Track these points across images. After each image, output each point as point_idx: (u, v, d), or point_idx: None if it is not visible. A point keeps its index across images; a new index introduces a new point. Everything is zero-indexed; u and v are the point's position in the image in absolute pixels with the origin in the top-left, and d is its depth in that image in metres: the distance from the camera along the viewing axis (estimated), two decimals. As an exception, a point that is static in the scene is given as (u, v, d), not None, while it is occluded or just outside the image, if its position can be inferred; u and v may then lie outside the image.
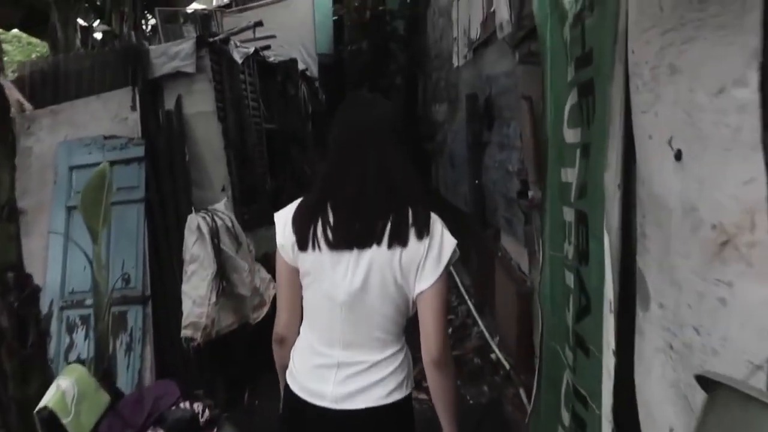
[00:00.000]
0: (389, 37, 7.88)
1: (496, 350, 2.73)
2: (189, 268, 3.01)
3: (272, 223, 1.33)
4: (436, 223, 1.23)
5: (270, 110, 4.70)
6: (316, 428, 1.27)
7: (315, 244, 1.22)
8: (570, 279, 1.61)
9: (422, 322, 1.21)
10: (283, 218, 1.30)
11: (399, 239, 1.18)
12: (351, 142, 1.28)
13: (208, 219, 3.11)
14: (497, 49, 2.81)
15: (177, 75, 3.36)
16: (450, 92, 4.82)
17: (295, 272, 1.28)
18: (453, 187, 4.14)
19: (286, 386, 1.32)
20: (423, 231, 1.19)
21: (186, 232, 3.09)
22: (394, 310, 1.24)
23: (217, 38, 3.44)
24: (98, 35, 5.77)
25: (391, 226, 1.19)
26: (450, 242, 1.21)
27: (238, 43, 3.80)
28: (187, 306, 2.93)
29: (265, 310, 3.31)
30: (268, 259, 4.34)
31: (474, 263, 3.56)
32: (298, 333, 1.34)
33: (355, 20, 8.18)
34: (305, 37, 9.97)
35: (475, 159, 3.29)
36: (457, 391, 1.31)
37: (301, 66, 5.98)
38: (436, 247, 1.20)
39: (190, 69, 3.32)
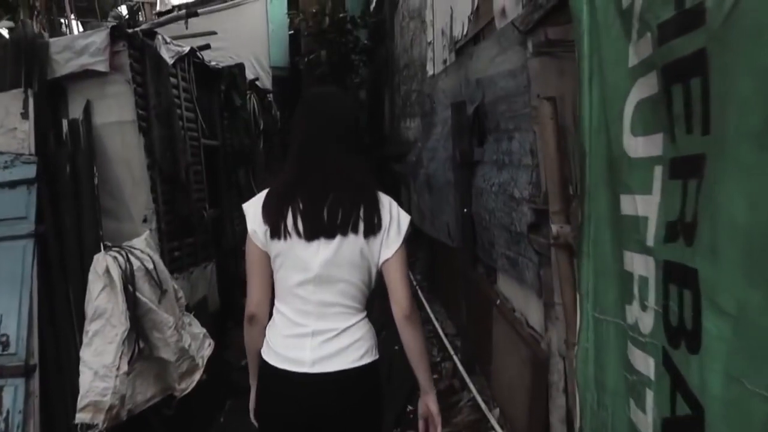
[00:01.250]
0: (351, 47, 7.46)
1: (498, 429, 2.20)
2: (91, 327, 2.37)
3: (211, 260, 1.68)
4: (393, 204, 1.45)
5: (211, 124, 4.12)
6: (295, 394, 1.43)
7: (286, 233, 1.39)
8: (645, 362, 1.12)
9: (390, 286, 1.43)
10: (253, 208, 1.45)
11: (371, 230, 1.38)
12: (314, 135, 1.45)
13: (121, 260, 2.50)
14: (493, 44, 2.38)
15: (86, 75, 2.78)
16: (424, 105, 4.38)
17: (266, 256, 1.44)
18: (431, 215, 3.65)
19: (263, 363, 1.46)
20: (399, 221, 1.43)
21: (90, 277, 2.47)
22: (361, 279, 1.42)
23: (138, 29, 2.86)
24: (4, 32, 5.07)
25: (361, 219, 1.38)
26: (405, 218, 1.45)
27: (169, 39, 3.24)
28: (85, 380, 2.29)
29: (197, 377, 2.69)
30: (204, 304, 3.70)
31: (461, 309, 3.05)
32: (269, 312, 1.50)
33: (311, 28, 7.73)
34: (258, 48, 9.45)
35: (463, 182, 2.82)
36: (425, 341, 1.59)
37: (250, 75, 5.44)
38: (395, 224, 1.42)
39: (103, 67, 2.74)
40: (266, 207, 1.42)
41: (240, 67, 4.35)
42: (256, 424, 1.55)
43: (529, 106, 1.88)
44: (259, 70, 9.35)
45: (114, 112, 2.80)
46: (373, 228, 1.38)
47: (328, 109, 1.50)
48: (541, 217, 1.85)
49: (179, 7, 9.11)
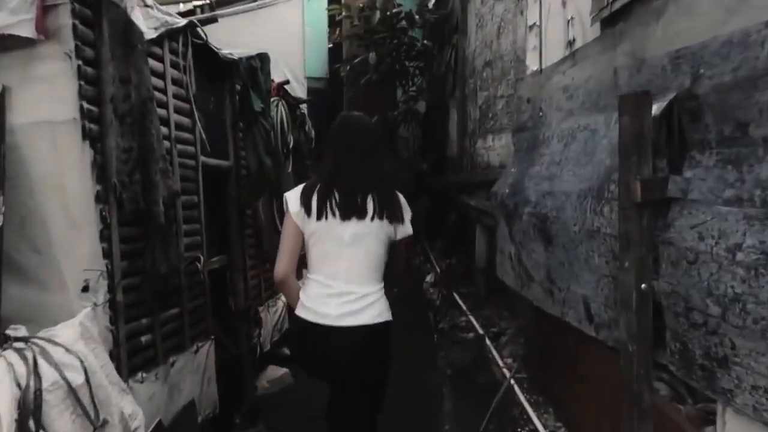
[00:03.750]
0: (405, 50, 6.51)
1: None
2: None
3: (207, 338, 2.60)
4: (403, 200, 2.14)
5: (218, 136, 3.15)
6: (322, 342, 1.98)
7: (326, 214, 1.98)
8: None
9: (400, 257, 2.12)
10: (295, 194, 2.06)
11: (392, 216, 2.05)
12: (344, 149, 2.09)
13: (21, 368, 1.50)
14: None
15: (2, 44, 1.83)
16: (521, 114, 3.30)
17: (300, 233, 2.02)
18: (547, 279, 2.53)
19: (297, 318, 2.04)
20: (404, 214, 2.10)
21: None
22: (383, 251, 2.05)
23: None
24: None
25: (384, 206, 2.03)
26: (409, 211, 2.15)
27: (151, 2, 2.29)
28: None
29: None
30: (191, 412, 2.51)
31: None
32: (294, 276, 2.07)
33: (357, 27, 6.85)
34: (291, 54, 8.62)
35: (637, 235, 1.70)
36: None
37: (278, 77, 4.51)
38: (407, 215, 2.12)
39: (27, 31, 1.80)
40: (305, 195, 2.03)
41: (263, 59, 3.39)
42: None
43: None
44: (292, 82, 8.56)
45: (44, 106, 1.83)
46: (391, 216, 2.03)
47: (356, 126, 2.16)
48: None
49: (201, 7, 8.48)
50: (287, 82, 4.56)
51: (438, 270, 5.51)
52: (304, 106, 6.05)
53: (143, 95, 2.14)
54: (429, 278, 5.38)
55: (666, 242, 1.67)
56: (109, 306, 1.91)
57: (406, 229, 2.08)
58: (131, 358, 2.03)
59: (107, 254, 1.92)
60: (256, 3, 8.72)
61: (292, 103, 5.05)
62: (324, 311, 1.95)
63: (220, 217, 3.39)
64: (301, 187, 2.07)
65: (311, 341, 1.99)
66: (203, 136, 2.71)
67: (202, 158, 2.81)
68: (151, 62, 2.31)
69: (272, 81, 4.40)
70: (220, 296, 3.41)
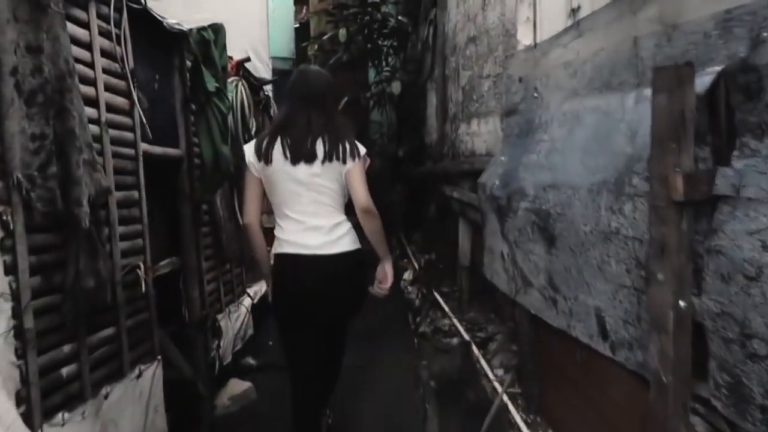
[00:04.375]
0: (377, 27, 6.15)
1: None
2: None
3: (153, 359, 2.43)
4: (354, 141, 2.30)
5: (165, 120, 2.77)
6: (307, 269, 2.20)
7: (275, 159, 2.19)
8: None
9: (352, 190, 2.26)
10: (250, 146, 2.29)
11: (341, 157, 2.22)
12: (299, 99, 2.27)
13: None
14: None
15: None
16: (511, 96, 3.01)
17: (260, 181, 2.26)
18: (549, 286, 2.25)
19: (278, 255, 2.26)
20: (358, 152, 2.28)
21: None
22: (339, 187, 2.26)
23: None
24: None
25: (333, 150, 2.21)
26: (362, 148, 2.32)
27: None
28: None
29: None
30: None
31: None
32: (259, 222, 2.33)
33: (324, 4, 6.46)
34: (254, 32, 8.17)
35: (673, 239, 1.42)
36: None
37: (238, 55, 4.12)
38: (355, 150, 2.26)
39: None
40: (259, 143, 2.25)
41: (217, 30, 3.00)
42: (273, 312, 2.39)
43: None
44: (255, 60, 8.10)
45: None
46: (342, 159, 2.21)
47: (310, 79, 2.33)
48: None
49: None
50: (248, 59, 4.18)
51: (416, 266, 5.22)
52: (268, 88, 5.68)
53: (60, 68, 1.76)
54: (407, 275, 5.09)
55: (713, 251, 1.39)
56: (15, 335, 1.55)
57: (351, 162, 2.24)
58: (47, 397, 1.67)
59: (11, 269, 1.55)
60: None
61: (255, 83, 4.66)
62: (305, 242, 2.20)
63: (170, 214, 3.02)
64: (256, 138, 2.35)
65: (296, 272, 2.21)
66: (143, 119, 2.33)
67: (144, 146, 2.43)
68: (73, 28, 1.92)
69: (230, 58, 4.01)
70: (171, 305, 3.05)
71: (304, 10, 10.25)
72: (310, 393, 2.37)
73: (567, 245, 2.13)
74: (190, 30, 2.96)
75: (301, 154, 2.19)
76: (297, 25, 8.87)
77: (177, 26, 2.86)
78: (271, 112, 5.73)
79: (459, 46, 4.19)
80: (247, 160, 2.26)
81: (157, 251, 2.74)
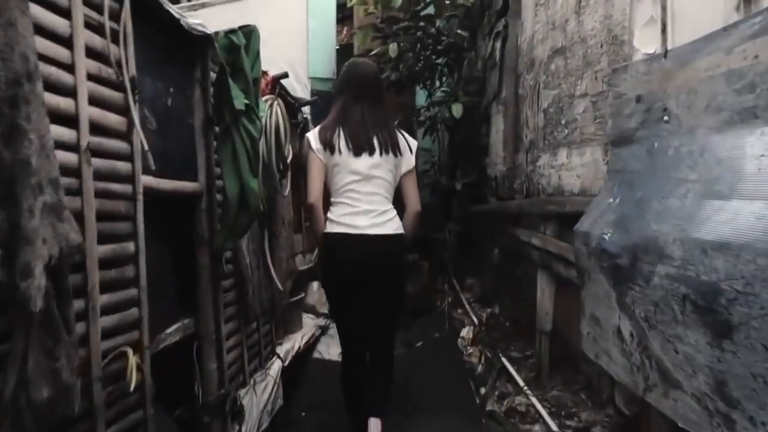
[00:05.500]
0: (430, 43, 5.63)
1: None
2: None
3: None
4: (408, 136, 2.75)
5: (177, 144, 2.25)
6: (355, 247, 2.55)
7: (339, 150, 2.59)
8: None
9: (405, 192, 2.73)
10: (314, 134, 2.69)
11: (397, 150, 2.65)
12: (352, 92, 2.67)
13: None
14: None
15: None
16: (624, 120, 2.40)
17: (324, 166, 2.62)
18: (723, 402, 1.58)
19: (327, 235, 2.60)
20: (410, 146, 2.71)
21: None
22: (392, 179, 2.67)
23: None
24: None
25: (389, 142, 2.63)
26: (414, 143, 2.76)
27: None
28: None
29: None
30: None
31: None
32: (321, 205, 2.65)
33: (372, 16, 5.99)
34: (292, 51, 7.79)
35: None
36: (418, 226, 2.79)
37: (273, 69, 3.61)
38: (412, 150, 2.71)
39: None
40: (322, 134, 2.64)
41: (249, 34, 2.47)
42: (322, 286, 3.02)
43: None
44: (293, 82, 7.66)
45: None
46: (395, 151, 2.63)
47: (360, 72, 2.74)
48: None
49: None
50: (285, 75, 3.66)
51: (476, 321, 4.56)
52: (307, 109, 5.16)
53: (14, 68, 1.22)
54: (465, 332, 4.43)
55: None
56: None
57: (408, 162, 2.69)
58: None
59: None
60: (248, -12, 7.92)
61: (292, 103, 4.14)
62: (355, 223, 2.54)
63: (183, 264, 2.46)
64: (317, 127, 2.70)
65: (343, 249, 2.56)
66: (144, 145, 1.78)
67: (147, 180, 1.89)
68: (44, 14, 1.40)
69: (265, 73, 3.50)
70: (181, 381, 2.48)
71: (344, 31, 9.87)
72: (359, 362, 2.78)
73: (758, 341, 1.47)
74: (216, 33, 2.45)
75: (361, 146, 2.58)
76: (338, 47, 8.46)
77: (199, 27, 2.34)
78: (309, 136, 5.23)
79: (539, 61, 3.60)
80: (313, 147, 2.63)
81: (163, 315, 2.19)
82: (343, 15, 9.61)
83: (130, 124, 1.77)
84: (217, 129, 2.49)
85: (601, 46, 2.81)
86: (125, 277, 1.72)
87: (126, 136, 1.76)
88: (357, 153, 2.57)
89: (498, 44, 4.59)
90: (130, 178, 1.78)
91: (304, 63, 7.82)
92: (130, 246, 1.76)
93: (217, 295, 2.57)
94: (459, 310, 5.29)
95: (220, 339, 2.58)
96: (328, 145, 2.58)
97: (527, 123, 3.80)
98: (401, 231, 2.64)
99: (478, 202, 5.17)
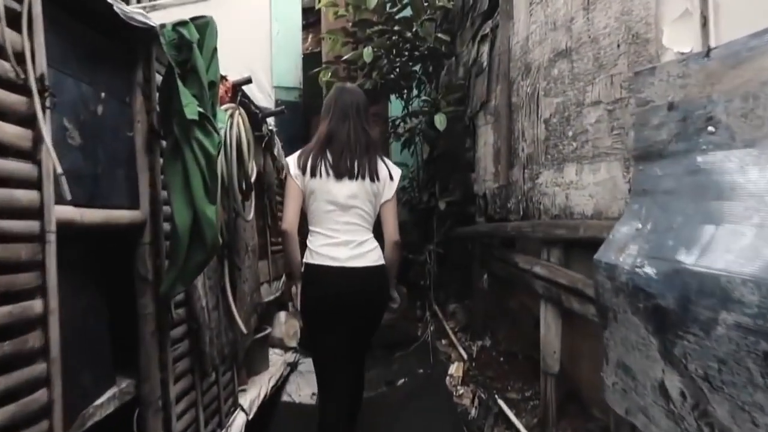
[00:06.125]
0: (407, 47, 5.28)
1: None
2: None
3: None
4: (389, 163, 2.75)
5: (111, 164, 1.82)
6: (334, 281, 2.54)
7: (320, 173, 2.58)
8: None
9: (385, 221, 2.72)
10: (293, 158, 2.69)
11: (378, 177, 2.65)
12: (339, 115, 2.67)
13: None
14: None
15: None
16: (649, 132, 2.08)
17: (301, 192, 2.62)
18: None
19: (307, 266, 2.60)
20: (392, 174, 2.71)
21: None
22: (371, 209, 2.67)
23: None
24: None
25: (371, 169, 2.63)
26: (398, 171, 2.76)
27: None
28: None
29: None
30: None
31: None
32: (296, 231, 2.63)
33: (341, 21, 5.63)
34: (255, 58, 7.36)
35: None
36: (400, 259, 2.88)
37: (232, 74, 3.20)
38: (393, 177, 2.71)
39: None
40: (303, 156, 2.64)
41: (203, 27, 2.05)
42: (300, 314, 2.75)
43: None
44: (255, 90, 7.21)
45: None
46: (377, 178, 2.64)
47: (348, 98, 2.71)
48: None
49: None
50: (248, 81, 3.25)
51: (465, 356, 4.17)
52: (272, 120, 4.75)
53: None
54: (454, 369, 4.03)
55: None
56: None
57: (389, 192, 2.70)
58: None
59: None
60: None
61: (256, 113, 3.73)
62: (335, 255, 2.56)
63: (121, 314, 2.01)
64: (298, 151, 2.72)
65: (322, 282, 2.57)
66: (57, 167, 1.34)
67: (64, 211, 1.45)
68: None
69: (224, 79, 3.09)
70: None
71: (311, 38, 9.46)
72: (338, 390, 2.66)
73: None
74: (162, 26, 2.03)
75: (342, 172, 2.59)
76: (304, 55, 8.07)
77: (140, 18, 1.92)
78: (275, 151, 4.80)
79: (536, 66, 3.26)
80: (291, 173, 2.65)
81: (91, 382, 1.74)
82: (309, 21, 9.22)
83: (37, 138, 1.34)
84: (164, 143, 2.07)
85: (618, 46, 2.48)
86: (26, 349, 1.28)
87: (31, 154, 1.33)
88: (338, 177, 2.59)
89: (485, 48, 4.25)
90: (37, 212, 1.34)
91: (268, 71, 7.39)
92: (36, 305, 1.32)
93: (165, 350, 2.12)
94: (444, 341, 4.89)
95: (168, 404, 2.12)
96: (308, 169, 2.59)
97: (523, 135, 3.45)
98: (382, 262, 2.66)
99: (463, 221, 4.80)
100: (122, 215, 1.91)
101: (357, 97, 2.73)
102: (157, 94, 2.09)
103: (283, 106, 4.76)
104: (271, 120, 6.41)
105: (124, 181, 1.99)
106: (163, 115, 2.07)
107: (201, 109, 1.97)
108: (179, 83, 1.96)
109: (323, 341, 2.66)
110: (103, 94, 1.85)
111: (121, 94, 2.00)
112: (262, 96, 7.56)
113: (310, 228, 2.66)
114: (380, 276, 2.65)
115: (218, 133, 2.08)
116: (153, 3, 6.65)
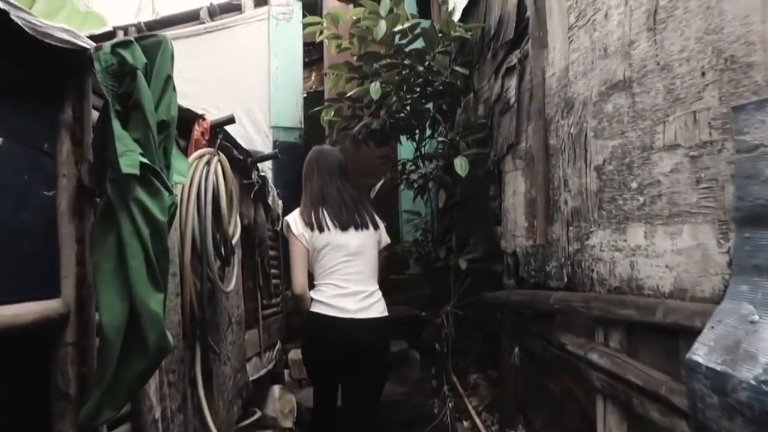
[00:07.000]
0: (420, 82, 4.82)
1: None
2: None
3: None
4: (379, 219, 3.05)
5: (12, 236, 1.28)
6: (342, 332, 2.64)
7: (327, 227, 2.75)
8: None
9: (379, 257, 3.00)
10: (293, 218, 2.81)
11: (375, 225, 2.91)
12: (325, 174, 2.89)
13: None
14: None
15: None
16: (759, 187, 1.52)
17: (306, 250, 2.76)
18: None
19: (314, 315, 2.69)
20: (380, 224, 2.98)
21: None
22: (377, 255, 2.91)
23: None
24: None
25: (371, 218, 2.90)
26: (383, 224, 3.05)
27: None
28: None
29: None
30: None
31: None
32: (308, 290, 2.77)
33: (345, 55, 5.19)
34: (252, 97, 6.94)
35: None
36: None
37: (211, 109, 2.71)
38: (385, 229, 3.02)
39: None
40: (303, 215, 2.80)
41: (151, 48, 1.53)
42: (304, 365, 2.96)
43: None
44: (251, 132, 6.76)
45: None
46: (377, 225, 2.92)
47: (330, 158, 2.96)
48: None
49: (124, 29, 6.76)
50: (230, 120, 2.74)
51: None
52: (267, 165, 4.25)
53: None
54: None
55: None
56: None
57: (385, 238, 3.00)
58: None
59: None
60: (203, 26, 7.13)
61: (240, 158, 3.22)
62: (344, 306, 2.67)
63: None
64: (296, 210, 2.86)
65: (331, 333, 2.66)
66: None
67: None
68: None
69: (201, 118, 2.59)
70: None
71: (313, 76, 9.06)
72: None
73: None
74: (97, 48, 1.53)
75: (347, 222, 2.80)
76: (306, 94, 7.66)
77: (65, 36, 1.42)
78: (269, 200, 4.29)
79: (582, 101, 2.76)
80: (294, 232, 2.76)
81: None
82: (312, 58, 8.81)
83: None
84: (93, 212, 1.54)
85: (703, 74, 1.96)
86: None
87: None
88: (344, 228, 2.78)
89: (511, 82, 3.77)
90: None
91: (266, 109, 6.95)
92: None
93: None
94: (465, 423, 4.26)
95: None
96: (314, 225, 2.74)
97: (566, 184, 2.92)
98: (386, 314, 2.81)
99: (486, 281, 4.24)
100: (30, 309, 1.38)
101: (338, 158, 2.99)
102: (90, 137, 1.58)
103: (277, 150, 4.27)
104: (268, 163, 5.95)
105: (40, 258, 1.46)
106: (99, 166, 1.55)
107: (145, 159, 1.45)
108: (116, 125, 1.44)
109: (326, 390, 2.89)
110: (7, 140, 1.34)
111: (39, 138, 1.49)
112: (259, 137, 7.13)
113: (317, 282, 2.77)
114: (386, 328, 2.80)
115: (171, 192, 1.55)
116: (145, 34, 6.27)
